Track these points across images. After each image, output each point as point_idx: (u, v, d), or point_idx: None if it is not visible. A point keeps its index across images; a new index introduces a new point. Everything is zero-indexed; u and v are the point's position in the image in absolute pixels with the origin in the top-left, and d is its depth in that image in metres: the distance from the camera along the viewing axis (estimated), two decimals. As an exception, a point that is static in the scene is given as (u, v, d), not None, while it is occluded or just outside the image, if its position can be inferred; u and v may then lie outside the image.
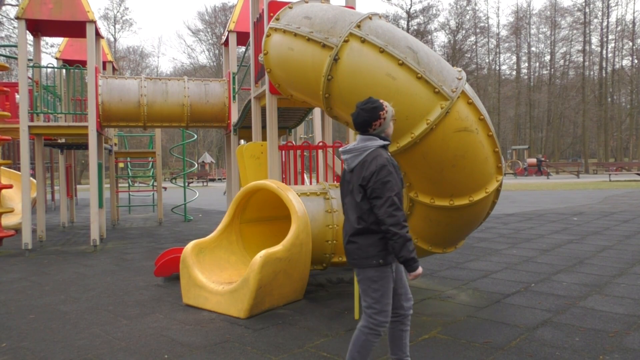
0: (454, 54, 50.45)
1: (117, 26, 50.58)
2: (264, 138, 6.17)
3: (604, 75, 49.55)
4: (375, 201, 2.58)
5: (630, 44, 47.87)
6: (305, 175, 7.02)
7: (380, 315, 2.66)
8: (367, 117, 2.71)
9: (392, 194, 2.56)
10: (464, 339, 3.69)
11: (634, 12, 72.75)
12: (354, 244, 2.67)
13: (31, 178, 9.80)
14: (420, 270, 2.62)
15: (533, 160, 39.33)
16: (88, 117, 8.26)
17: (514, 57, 54.90)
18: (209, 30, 55.42)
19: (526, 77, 55.32)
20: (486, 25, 53.60)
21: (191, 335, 3.89)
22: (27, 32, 8.22)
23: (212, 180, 39.91)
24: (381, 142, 2.72)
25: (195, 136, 15.99)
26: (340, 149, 2.77)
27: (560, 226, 9.69)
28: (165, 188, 16.44)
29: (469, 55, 52.95)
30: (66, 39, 11.19)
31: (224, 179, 28.32)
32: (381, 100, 2.75)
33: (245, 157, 5.95)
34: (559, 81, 53.92)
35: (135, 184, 25.20)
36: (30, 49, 11.04)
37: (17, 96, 9.98)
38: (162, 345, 3.67)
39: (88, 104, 8.29)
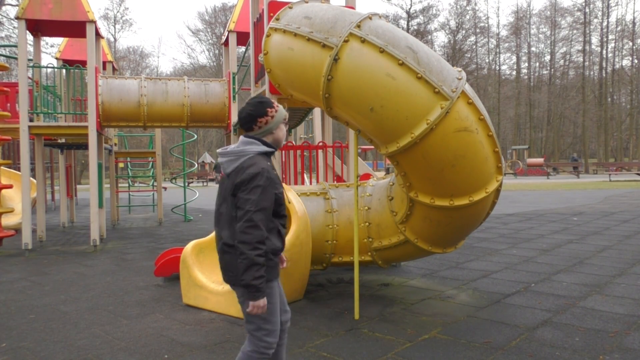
0: (454, 54, 50.50)
1: (117, 26, 50.78)
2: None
3: (604, 75, 49.60)
4: (238, 211, 2.26)
5: (630, 44, 47.95)
6: (305, 175, 7.03)
7: (271, 336, 2.38)
8: (252, 112, 2.37)
9: (253, 208, 2.21)
10: (464, 339, 3.69)
11: (634, 12, 72.87)
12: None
13: (31, 178, 9.79)
14: (262, 303, 2.23)
15: (539, 161, 39.47)
16: (88, 117, 8.26)
17: (514, 57, 55.01)
18: (209, 30, 55.55)
19: (526, 77, 55.35)
20: (486, 25, 53.69)
21: (191, 335, 3.89)
22: (27, 32, 8.22)
23: (212, 180, 39.89)
24: (263, 148, 2.36)
25: (195, 136, 15.99)
26: (219, 151, 2.41)
27: (560, 226, 9.69)
28: (165, 188, 16.40)
29: (469, 55, 53.01)
30: (66, 39, 11.19)
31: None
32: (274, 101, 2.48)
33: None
34: (559, 81, 53.96)
35: (135, 184, 25.21)
36: (30, 49, 11.01)
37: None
38: (162, 345, 3.67)
39: (88, 104, 8.29)
